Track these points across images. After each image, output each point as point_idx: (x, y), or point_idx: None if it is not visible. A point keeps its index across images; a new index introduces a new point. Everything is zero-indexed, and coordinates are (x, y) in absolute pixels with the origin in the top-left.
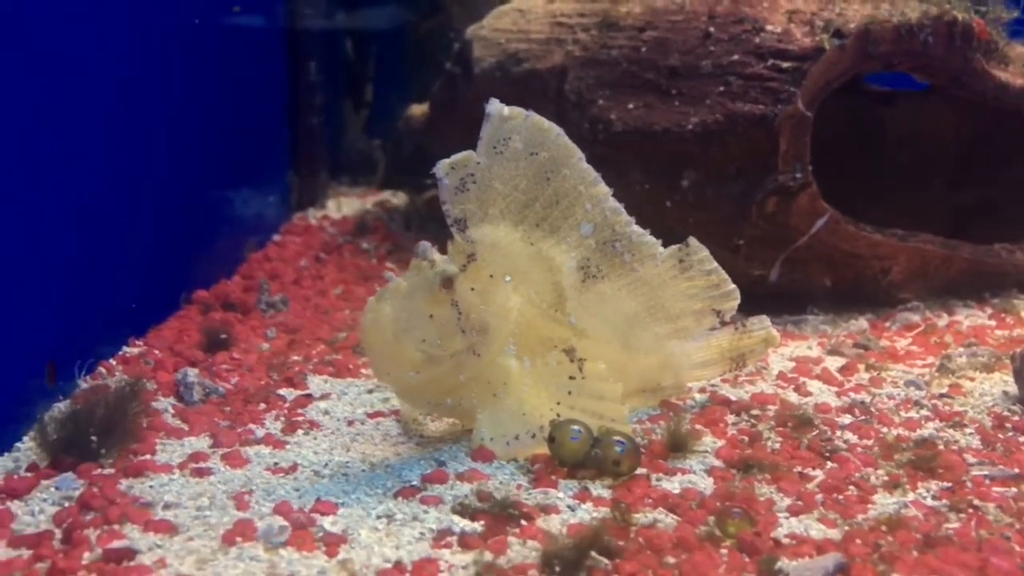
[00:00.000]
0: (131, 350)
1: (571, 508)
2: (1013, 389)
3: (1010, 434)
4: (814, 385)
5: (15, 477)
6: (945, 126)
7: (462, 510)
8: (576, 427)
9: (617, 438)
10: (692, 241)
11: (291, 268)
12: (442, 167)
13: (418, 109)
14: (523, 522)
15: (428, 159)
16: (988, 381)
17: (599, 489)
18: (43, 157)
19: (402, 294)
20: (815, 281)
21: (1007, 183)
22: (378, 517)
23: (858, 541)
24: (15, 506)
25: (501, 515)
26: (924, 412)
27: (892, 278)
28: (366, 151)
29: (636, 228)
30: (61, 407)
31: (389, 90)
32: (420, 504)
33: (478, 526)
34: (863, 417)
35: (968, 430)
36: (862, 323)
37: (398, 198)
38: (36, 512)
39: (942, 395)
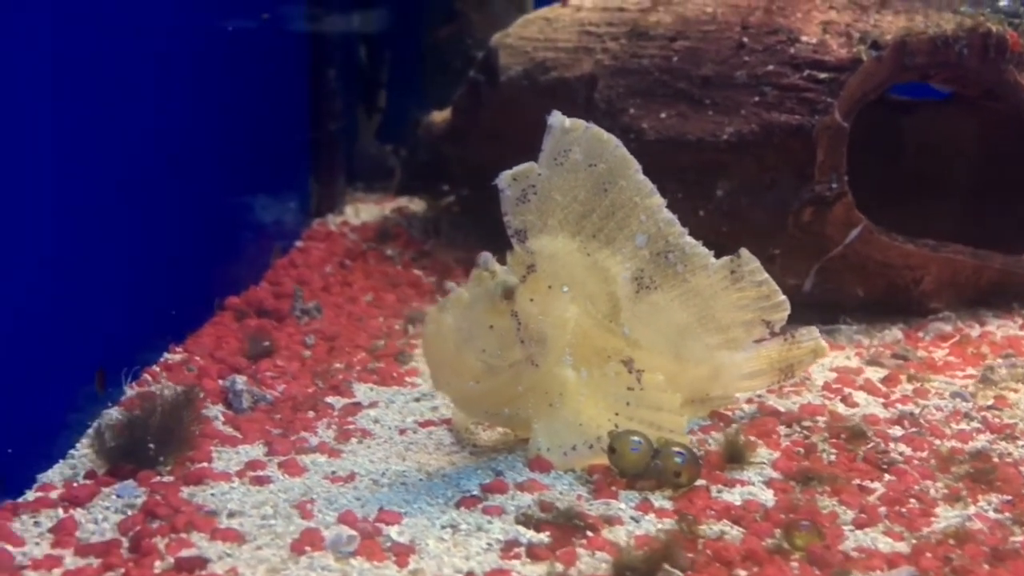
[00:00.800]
0: (173, 357)
1: (635, 519)
2: None
3: None
4: (859, 396)
5: (75, 484)
6: (967, 136)
7: (526, 520)
8: (636, 438)
9: (677, 449)
10: (744, 252)
11: (318, 275)
12: (504, 178)
13: (439, 116)
14: (589, 533)
15: (447, 165)
16: None
17: (660, 500)
18: (85, 164)
19: (463, 305)
20: (848, 291)
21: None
22: (443, 527)
23: (928, 554)
24: (78, 514)
25: (566, 526)
26: (975, 424)
27: (924, 288)
28: (379, 157)
29: (689, 239)
30: (114, 414)
31: (403, 96)
32: (483, 514)
33: (544, 537)
34: (914, 429)
35: (1020, 442)
36: (896, 333)
37: (416, 204)
38: (100, 520)
39: (989, 407)
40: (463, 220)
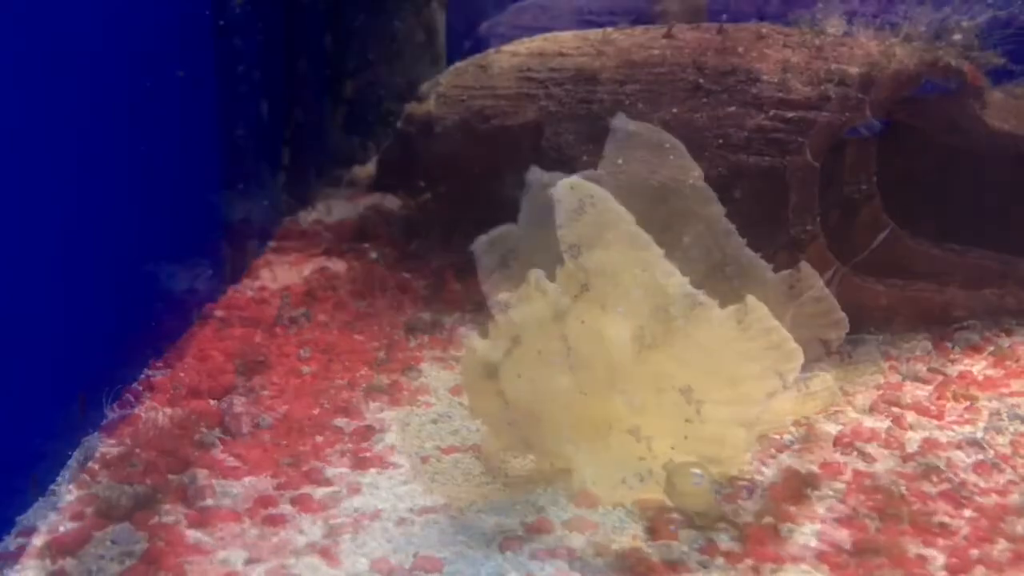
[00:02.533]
0: (155, 374)
1: (703, 565)
2: None
3: None
4: (911, 417)
5: (61, 530)
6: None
7: (583, 567)
8: (698, 471)
9: (742, 483)
10: (750, 299)
11: (298, 277)
12: (480, 245)
13: (362, 172)
14: None
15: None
16: None
17: (726, 541)
18: (60, 178)
19: (512, 328)
20: (871, 299)
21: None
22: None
23: None
24: (70, 565)
25: (630, 573)
26: None
27: (948, 296)
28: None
29: (690, 289)
30: (102, 445)
31: (310, 154)
32: (532, 559)
33: None
34: (980, 456)
35: None
36: (926, 344)
37: (390, 201)
38: (95, 572)
39: None
40: (441, 218)
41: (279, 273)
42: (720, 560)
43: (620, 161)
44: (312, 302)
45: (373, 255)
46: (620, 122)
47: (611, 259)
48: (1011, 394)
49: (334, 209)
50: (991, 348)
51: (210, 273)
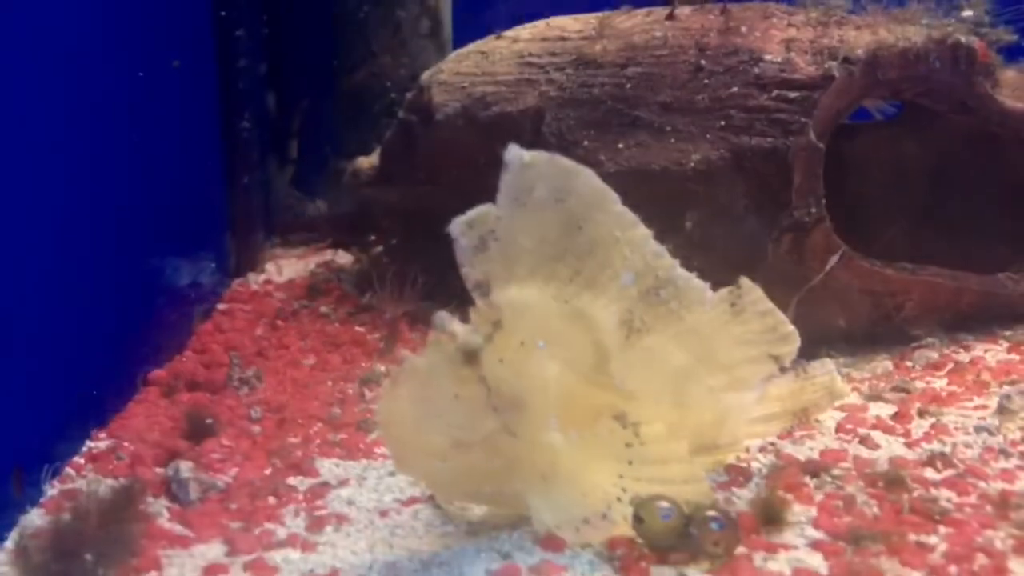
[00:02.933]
0: (97, 444)
1: None
2: None
3: None
4: (878, 436)
5: None
6: (911, 158)
7: None
8: (666, 504)
9: (712, 514)
10: (744, 281)
11: (248, 339)
12: (458, 226)
13: (366, 161)
14: None
15: (373, 214)
16: None
17: (699, 575)
18: None
19: (421, 375)
20: (831, 321)
21: (976, 212)
22: None
23: None
24: None
25: None
26: (1014, 461)
27: (906, 314)
28: (297, 209)
29: (682, 272)
30: (36, 521)
31: (319, 145)
32: None
33: None
34: (951, 471)
35: None
36: (887, 364)
37: (342, 257)
38: None
39: (1022, 439)
40: (398, 270)
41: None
42: None
43: (519, 196)
44: (264, 362)
45: (323, 310)
46: (513, 154)
47: (524, 294)
48: (974, 407)
49: (284, 268)
50: (952, 365)
51: (153, 339)
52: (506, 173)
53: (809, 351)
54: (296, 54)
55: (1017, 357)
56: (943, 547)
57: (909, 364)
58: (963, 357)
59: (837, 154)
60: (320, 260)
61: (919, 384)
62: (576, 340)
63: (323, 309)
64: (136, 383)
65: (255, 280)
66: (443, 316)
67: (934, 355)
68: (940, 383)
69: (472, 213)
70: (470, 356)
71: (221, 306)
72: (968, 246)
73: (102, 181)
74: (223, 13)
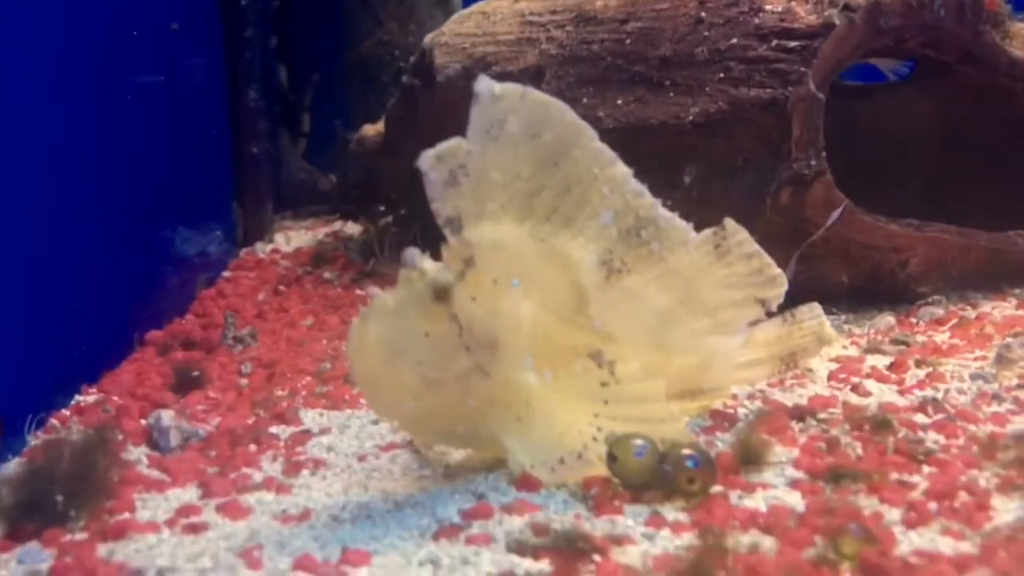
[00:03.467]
0: (85, 398)
1: (648, 537)
2: None
3: None
4: (870, 384)
5: None
6: (922, 118)
7: (520, 548)
8: (640, 442)
9: (688, 452)
10: (728, 222)
11: (250, 303)
12: (427, 159)
13: (371, 129)
14: (597, 557)
15: (381, 183)
16: None
17: (673, 513)
18: None
19: (390, 312)
20: (832, 278)
21: (991, 174)
22: (421, 564)
23: (1002, 553)
24: None
25: (569, 550)
26: (1007, 406)
27: (911, 271)
28: (310, 180)
29: (664, 212)
30: (13, 467)
31: (329, 117)
32: (467, 544)
33: (545, 566)
34: (941, 415)
35: None
36: (888, 319)
37: (351, 227)
38: None
39: (1017, 386)
40: (404, 239)
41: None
42: (666, 531)
43: (490, 129)
44: (262, 323)
45: (327, 276)
46: (483, 85)
47: (498, 231)
48: (976, 359)
49: (293, 239)
50: (956, 320)
51: (154, 302)
52: (476, 105)
53: None
54: (307, 27)
55: None
56: (925, 485)
57: (913, 320)
58: (969, 314)
59: (851, 115)
60: (329, 230)
61: (920, 338)
62: (553, 279)
63: (327, 275)
64: (133, 343)
65: (263, 249)
66: (413, 252)
67: (940, 312)
68: (942, 337)
69: (442, 146)
70: (441, 293)
71: (226, 273)
72: (983, 204)
73: (107, 147)
74: None
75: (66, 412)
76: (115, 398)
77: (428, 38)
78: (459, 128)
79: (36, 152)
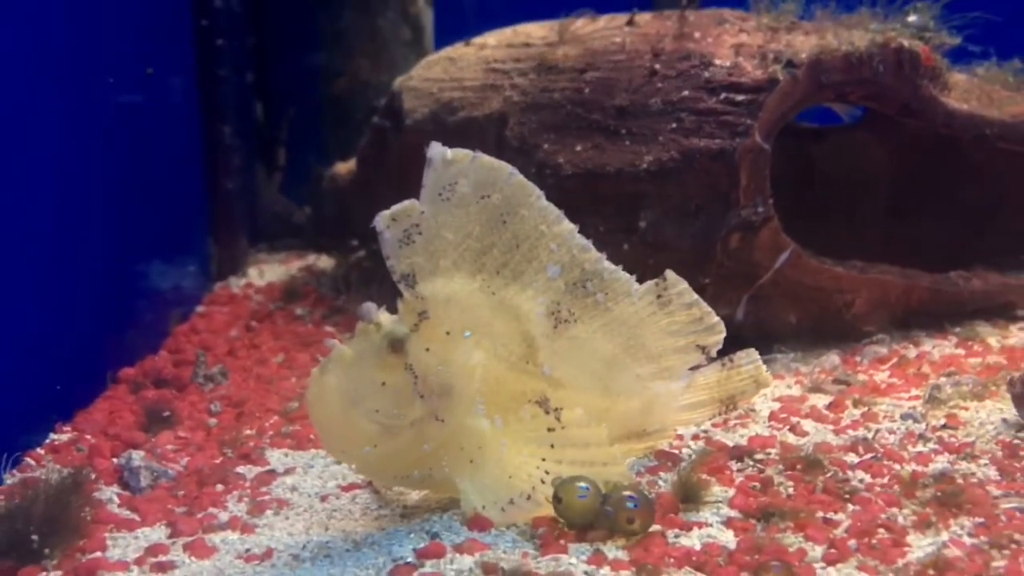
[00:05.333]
0: (59, 437)
1: (589, 574)
2: (1012, 416)
3: None
4: (808, 424)
5: None
6: (876, 160)
7: None
8: (583, 484)
9: (628, 493)
10: (669, 274)
11: (222, 339)
12: (382, 219)
13: (343, 167)
14: None
15: (353, 218)
16: (983, 410)
17: (614, 551)
18: None
19: (348, 363)
20: (781, 318)
21: (943, 213)
22: None
23: None
24: None
25: None
26: (931, 445)
27: (856, 311)
28: (284, 213)
29: (608, 265)
30: None
31: (304, 152)
32: None
33: None
34: (870, 455)
35: (982, 461)
36: (833, 359)
37: (324, 261)
38: None
39: (943, 427)
40: (375, 274)
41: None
42: (606, 569)
43: (442, 191)
44: (233, 360)
45: (298, 312)
46: (435, 151)
47: (450, 286)
48: (910, 398)
49: (267, 272)
50: (896, 360)
51: (127, 338)
52: (429, 169)
53: (760, 347)
54: (282, 64)
55: (963, 352)
56: (847, 523)
57: (858, 359)
58: (911, 352)
59: (805, 157)
60: (302, 264)
61: (862, 377)
62: (503, 330)
63: (298, 311)
64: (105, 380)
65: (236, 284)
66: (369, 307)
67: (883, 350)
68: (882, 376)
69: (396, 207)
70: (396, 345)
71: (200, 308)
72: (932, 244)
73: (83, 183)
74: (204, 23)
75: (40, 451)
76: (88, 437)
77: (397, 82)
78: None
79: (12, 189)
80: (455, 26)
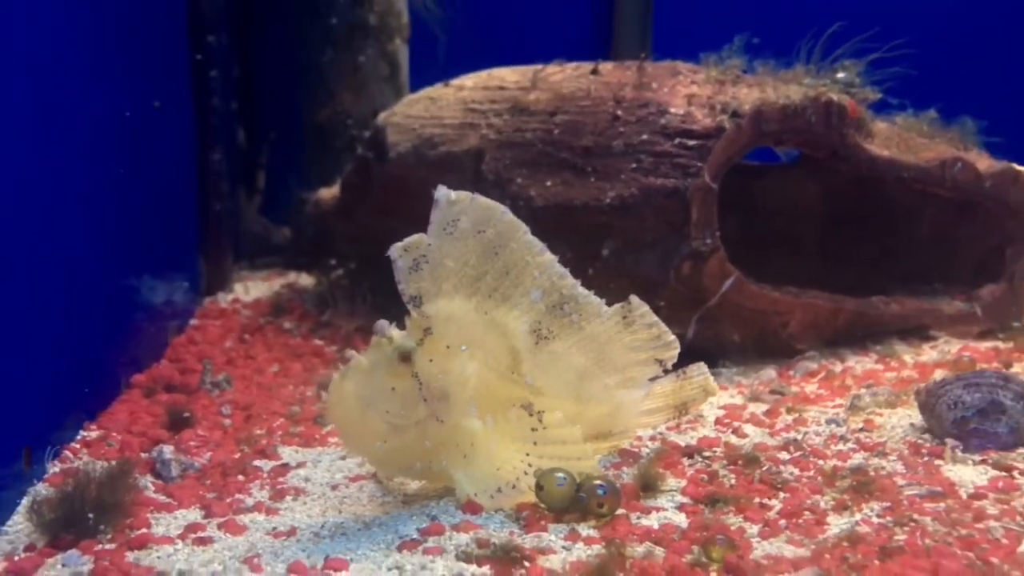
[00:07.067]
0: (89, 434)
1: (566, 548)
2: (918, 421)
3: (926, 459)
4: (748, 428)
5: (16, 558)
6: (810, 195)
7: (467, 557)
8: (561, 475)
9: (598, 482)
10: (633, 299)
11: (219, 350)
12: (396, 250)
13: (327, 192)
14: (526, 563)
15: (333, 240)
16: (894, 416)
17: (587, 530)
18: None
19: (364, 371)
20: (726, 337)
21: (868, 243)
22: (389, 569)
23: (827, 556)
24: None
25: (505, 559)
26: (850, 445)
27: (790, 330)
28: (264, 234)
29: (582, 290)
30: (42, 490)
31: (286, 176)
32: (424, 555)
33: (487, 570)
34: (799, 452)
35: (891, 458)
36: (771, 372)
37: (304, 279)
38: None
39: (860, 429)
40: (354, 292)
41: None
42: (580, 544)
43: (446, 227)
44: (233, 369)
45: (286, 325)
46: (442, 193)
47: (450, 306)
48: (835, 407)
49: (251, 289)
50: (824, 373)
51: (135, 348)
52: (435, 208)
53: (707, 361)
54: (265, 93)
55: (882, 367)
56: (779, 507)
57: (791, 373)
58: (837, 367)
59: (749, 191)
60: (284, 282)
61: (794, 388)
62: (493, 344)
63: (287, 325)
64: (120, 385)
65: (224, 299)
66: (383, 324)
67: (813, 365)
68: (811, 387)
69: (408, 240)
70: (405, 356)
71: (194, 321)
72: (857, 272)
73: (96, 207)
74: (199, 57)
75: (76, 445)
76: (114, 434)
77: (381, 117)
78: (409, 198)
79: (49, 220)
80: (427, 63)
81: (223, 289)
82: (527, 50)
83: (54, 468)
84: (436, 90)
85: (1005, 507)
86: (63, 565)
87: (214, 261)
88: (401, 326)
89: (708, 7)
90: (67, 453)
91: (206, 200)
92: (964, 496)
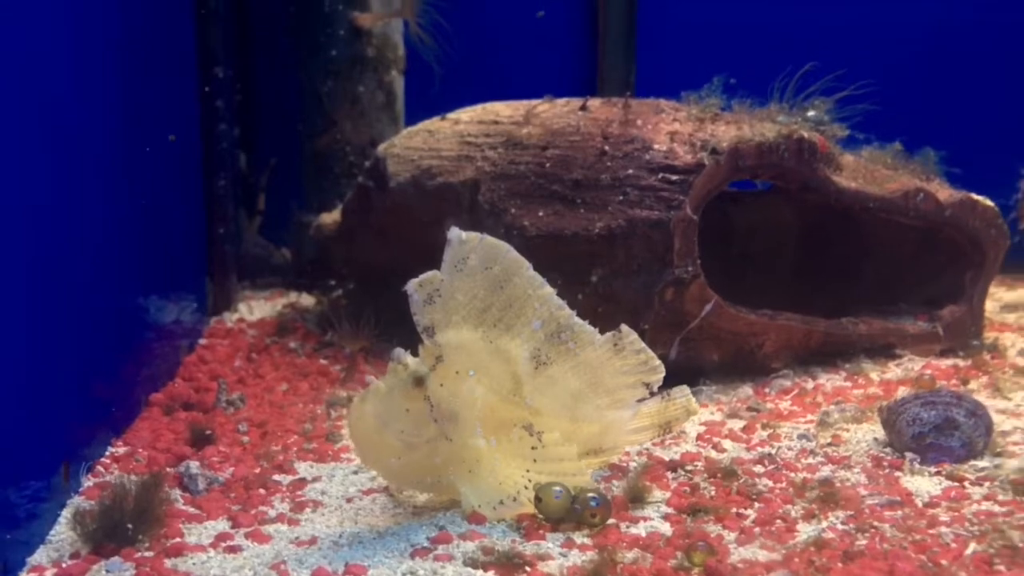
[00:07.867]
0: (117, 450)
1: (563, 554)
2: (881, 436)
3: (887, 471)
4: (727, 443)
5: (63, 565)
6: (784, 221)
7: (474, 563)
8: (558, 488)
9: (591, 495)
10: (624, 327)
11: (228, 369)
12: (412, 285)
13: (328, 217)
14: (527, 568)
15: (333, 262)
16: (860, 431)
17: (581, 538)
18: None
19: (382, 394)
20: (706, 357)
21: (838, 267)
22: (404, 574)
23: (796, 559)
24: None
25: (508, 564)
26: (819, 459)
27: (766, 351)
28: (264, 256)
29: (577, 320)
30: (80, 502)
31: (286, 200)
32: (435, 561)
33: (492, 575)
34: (772, 466)
35: (855, 470)
36: (747, 390)
37: (305, 299)
38: None
39: (828, 444)
40: (354, 313)
41: (212, 368)
42: (576, 551)
43: (457, 264)
44: (243, 388)
45: (292, 345)
46: (454, 234)
47: (460, 336)
48: (806, 422)
49: (255, 309)
50: (797, 391)
51: (152, 367)
52: (448, 247)
53: (689, 380)
54: (268, 121)
55: (850, 384)
56: (754, 516)
57: (767, 391)
58: (809, 385)
59: (727, 217)
60: (286, 302)
61: (769, 405)
62: (497, 370)
63: (292, 344)
64: (140, 404)
65: (230, 319)
66: (399, 351)
67: (787, 383)
68: (785, 404)
69: (423, 276)
70: (419, 381)
71: (202, 341)
72: (829, 294)
73: (114, 232)
74: (207, 89)
75: (106, 460)
76: (141, 450)
77: (381, 148)
78: (407, 225)
79: (76, 245)
80: (422, 94)
81: (228, 309)
82: (516, 81)
83: (88, 482)
84: (434, 123)
85: (956, 514)
86: (107, 571)
87: (219, 282)
88: (406, 348)
89: (688, 39)
90: (99, 468)
91: (211, 222)
92: (920, 505)
